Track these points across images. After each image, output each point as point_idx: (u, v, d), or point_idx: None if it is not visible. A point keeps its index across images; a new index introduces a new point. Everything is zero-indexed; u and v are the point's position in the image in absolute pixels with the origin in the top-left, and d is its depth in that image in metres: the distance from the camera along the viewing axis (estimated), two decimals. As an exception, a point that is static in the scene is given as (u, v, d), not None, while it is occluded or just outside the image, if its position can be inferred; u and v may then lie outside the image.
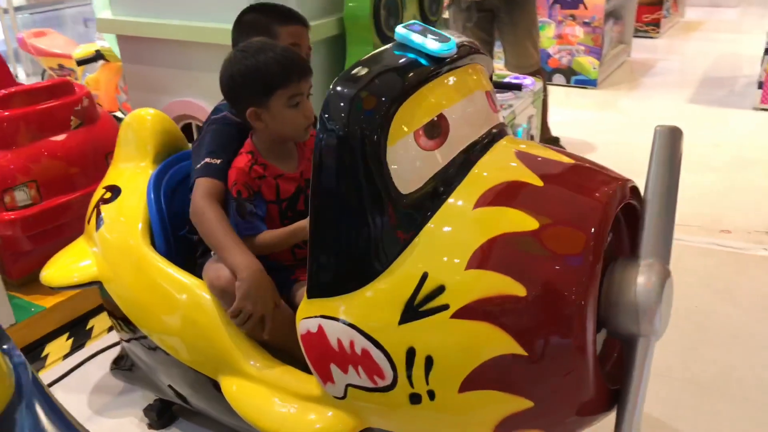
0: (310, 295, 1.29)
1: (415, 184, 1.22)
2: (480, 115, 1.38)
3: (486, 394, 1.17)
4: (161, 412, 1.95)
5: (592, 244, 1.14)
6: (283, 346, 1.50)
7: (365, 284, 1.22)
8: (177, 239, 1.76)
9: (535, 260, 1.15)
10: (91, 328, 2.43)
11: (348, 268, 1.24)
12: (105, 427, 1.96)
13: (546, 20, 5.27)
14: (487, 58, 1.50)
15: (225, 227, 1.50)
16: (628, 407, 1.19)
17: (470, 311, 1.14)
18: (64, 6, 9.03)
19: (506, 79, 3.12)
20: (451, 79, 1.32)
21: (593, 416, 1.24)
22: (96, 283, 1.81)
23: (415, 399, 1.22)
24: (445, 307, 1.16)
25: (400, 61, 1.26)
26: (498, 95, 3.07)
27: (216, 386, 1.54)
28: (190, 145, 2.03)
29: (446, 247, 1.20)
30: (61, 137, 2.44)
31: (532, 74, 3.67)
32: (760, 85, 4.68)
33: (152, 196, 1.76)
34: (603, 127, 4.63)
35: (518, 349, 1.13)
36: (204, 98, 2.67)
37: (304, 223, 1.49)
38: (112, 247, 1.78)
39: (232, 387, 1.49)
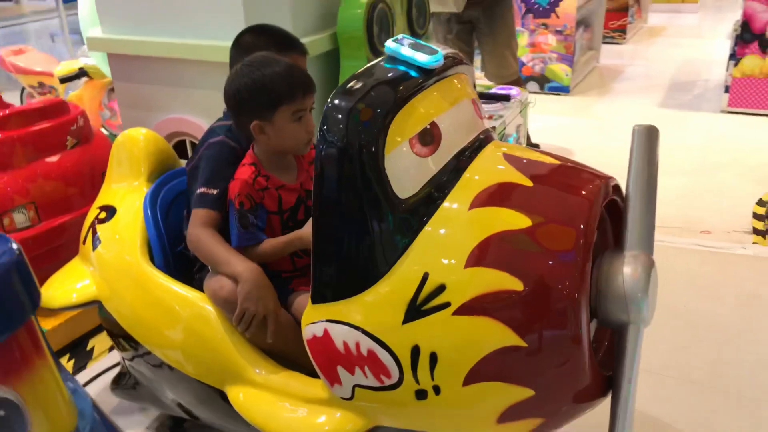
0: (315, 300, 1.33)
1: (412, 189, 1.28)
2: (468, 122, 1.45)
3: (489, 386, 1.23)
4: (173, 430, 1.96)
5: (582, 240, 1.21)
6: (286, 353, 1.54)
7: (368, 287, 1.27)
8: (175, 255, 1.79)
9: (530, 256, 1.22)
10: (92, 349, 2.42)
11: (351, 272, 1.29)
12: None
13: (519, 29, 5.39)
14: (470, 68, 1.57)
15: (222, 244, 1.56)
16: (622, 392, 1.25)
17: (471, 307, 1.20)
18: (28, 20, 8.83)
19: (493, 90, 3.19)
20: (440, 89, 1.39)
21: (590, 402, 1.30)
22: (95, 303, 1.83)
23: (421, 395, 1.27)
24: (447, 305, 1.22)
25: (392, 73, 1.33)
26: (487, 106, 3.17)
27: (223, 397, 1.57)
28: (182, 161, 2.05)
29: (445, 248, 1.26)
30: (57, 158, 2.45)
31: (512, 83, 3.76)
32: (727, 89, 4.85)
33: (149, 213, 1.79)
34: (578, 132, 4.76)
35: (518, 341, 1.19)
36: (197, 115, 2.69)
37: (302, 231, 1.55)
38: (110, 265, 1.80)
39: (239, 395, 1.53)
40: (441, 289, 1.22)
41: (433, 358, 1.23)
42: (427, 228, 1.27)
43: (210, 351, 1.57)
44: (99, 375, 2.27)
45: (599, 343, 1.43)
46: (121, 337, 1.80)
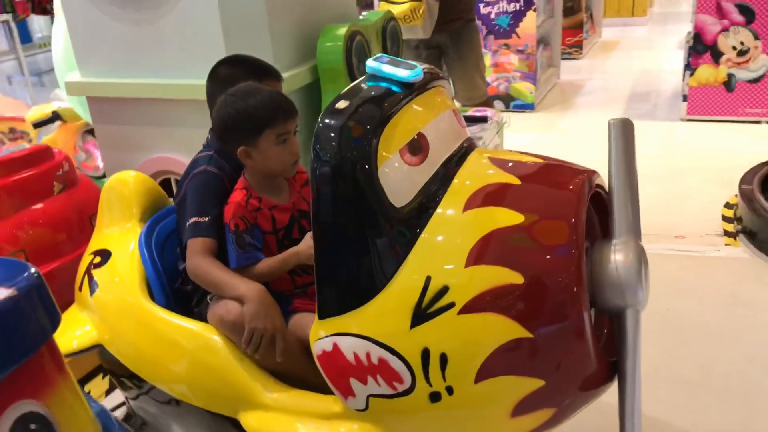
0: (322, 316, 1.36)
1: (406, 198, 1.33)
2: (451, 131, 1.52)
3: (500, 380, 1.26)
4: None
5: (574, 232, 1.27)
6: (293, 372, 1.56)
7: (373, 297, 1.31)
8: (174, 292, 1.81)
9: (527, 250, 1.27)
10: (89, 393, 2.40)
11: (354, 285, 1.33)
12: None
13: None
14: (447, 81, 1.64)
15: (221, 268, 1.60)
16: (629, 374, 1.29)
17: (475, 305, 1.24)
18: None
19: (469, 113, 3.28)
20: (422, 102, 1.45)
21: (597, 389, 1.34)
22: (97, 347, 1.83)
23: (435, 397, 1.29)
24: (452, 305, 1.25)
25: (376, 90, 1.38)
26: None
27: (235, 424, 1.58)
28: (171, 200, 2.07)
29: (444, 250, 1.30)
30: (45, 204, 2.44)
31: (482, 104, 3.86)
32: (685, 98, 5.04)
33: (145, 253, 1.80)
34: (547, 148, 4.82)
35: (524, 333, 1.23)
36: (181, 153, 2.71)
37: (298, 248, 1.60)
38: (111, 308, 1.81)
39: (253, 421, 1.53)
40: (444, 290, 1.26)
41: (444, 359, 1.26)
42: (425, 233, 1.32)
43: (220, 380, 1.58)
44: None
45: (600, 331, 1.47)
46: (125, 377, 1.81)
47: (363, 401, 1.36)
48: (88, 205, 2.51)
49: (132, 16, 2.54)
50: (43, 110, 4.08)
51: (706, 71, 4.89)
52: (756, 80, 4.79)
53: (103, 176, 4.06)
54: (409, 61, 1.42)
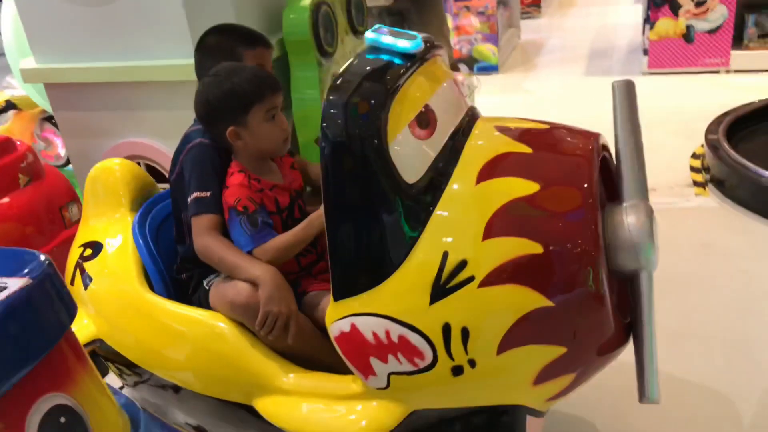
0: (337, 297, 1.34)
1: (418, 174, 1.30)
2: (455, 101, 1.49)
3: (523, 350, 1.26)
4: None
5: (590, 198, 1.27)
6: (305, 353, 1.55)
7: (389, 276, 1.29)
8: (172, 280, 1.77)
9: (544, 219, 1.27)
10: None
11: (369, 264, 1.31)
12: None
13: (442, 14, 5.47)
14: (443, 50, 1.60)
15: (232, 248, 1.56)
16: (645, 335, 1.30)
17: (495, 277, 1.24)
18: None
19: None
20: (425, 73, 1.42)
21: (614, 352, 1.35)
22: (96, 342, 1.78)
23: (457, 371, 1.29)
24: (471, 279, 1.24)
25: (378, 63, 1.35)
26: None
27: (249, 411, 1.55)
28: (158, 185, 2.03)
29: (460, 224, 1.29)
30: (11, 198, 2.36)
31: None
32: (646, 52, 5.08)
33: (141, 242, 1.76)
34: (514, 109, 4.83)
35: (545, 302, 1.23)
36: (150, 137, 2.65)
37: (317, 213, 1.55)
38: (108, 301, 1.76)
39: (269, 406, 1.51)
40: (463, 264, 1.25)
41: (465, 333, 1.26)
42: (438, 208, 1.30)
43: (231, 368, 1.55)
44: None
45: (611, 293, 1.49)
46: (123, 365, 1.77)
47: (384, 380, 1.35)
48: (56, 197, 2.44)
49: (87, -3, 2.44)
50: (-5, 99, 3.94)
51: (666, 24, 4.93)
52: (714, 30, 4.85)
53: (66, 164, 3.95)
54: (409, 31, 1.39)
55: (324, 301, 1.54)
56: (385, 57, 1.35)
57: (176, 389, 1.69)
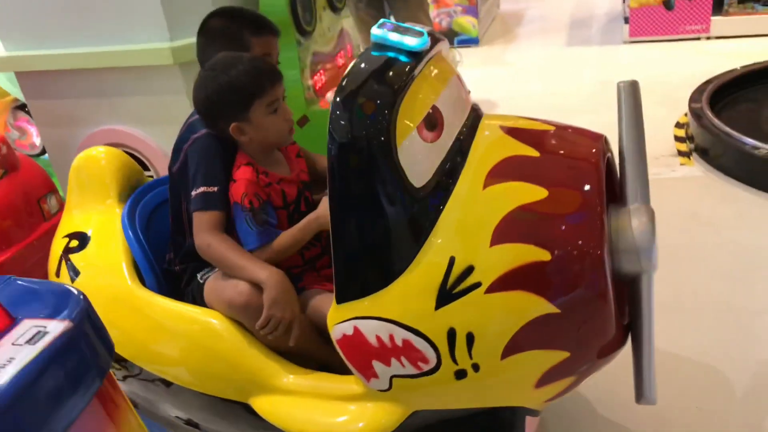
0: (340, 300, 1.32)
1: (426, 177, 1.28)
2: (460, 100, 1.46)
3: (527, 355, 1.27)
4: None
5: (596, 202, 1.26)
6: (304, 353, 1.53)
7: (394, 280, 1.28)
8: (163, 273, 1.73)
9: (552, 226, 1.25)
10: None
11: (374, 268, 1.29)
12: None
13: (421, -13, 5.38)
14: (446, 43, 1.56)
15: (235, 248, 1.52)
16: (645, 338, 1.31)
17: (502, 284, 1.23)
18: None
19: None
20: (431, 71, 1.38)
21: (614, 353, 1.36)
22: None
23: (460, 375, 1.29)
24: (478, 285, 1.23)
25: (384, 62, 1.31)
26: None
27: (246, 408, 1.54)
28: (145, 173, 1.97)
29: (467, 229, 1.27)
30: (-13, 191, 2.29)
31: (430, 43, 3.76)
32: (626, 20, 5.05)
33: (131, 234, 1.71)
34: (496, 82, 4.86)
35: (551, 309, 1.23)
36: (128, 124, 2.59)
37: (316, 212, 1.53)
38: (97, 295, 1.68)
39: (266, 405, 1.50)
40: (470, 270, 1.24)
41: (470, 338, 1.25)
42: (446, 213, 1.28)
43: (228, 366, 1.53)
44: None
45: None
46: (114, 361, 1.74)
47: (386, 382, 1.35)
48: (34, 188, 2.37)
49: (55, -19, 2.36)
50: (-37, 89, 3.82)
51: (646, -9, 4.90)
52: (694, -4, 4.83)
53: (42, 154, 3.86)
54: (415, 27, 1.35)
55: (318, 299, 1.53)
56: (391, 55, 1.31)
57: (167, 384, 1.66)
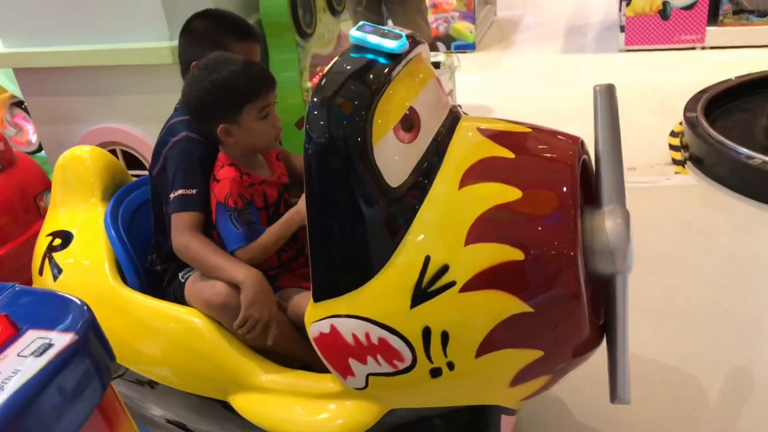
0: (317, 298, 1.33)
1: (402, 177, 1.29)
2: (438, 102, 1.47)
3: (501, 354, 1.28)
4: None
5: (570, 203, 1.28)
6: (283, 351, 1.54)
7: (370, 279, 1.29)
8: (145, 272, 1.74)
9: (526, 226, 1.27)
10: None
11: (351, 267, 1.30)
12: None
13: (419, -9, 5.40)
14: (426, 46, 1.57)
15: (213, 249, 1.52)
16: (619, 338, 1.34)
17: (476, 283, 1.24)
18: None
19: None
20: (409, 73, 1.40)
21: (588, 353, 1.38)
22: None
23: (435, 373, 1.30)
24: (452, 284, 1.25)
25: (362, 63, 1.32)
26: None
27: (225, 406, 1.55)
28: (129, 173, 1.97)
29: (442, 229, 1.28)
30: (-16, 187, 2.28)
31: (427, 48, 3.78)
32: (622, 29, 5.08)
33: (113, 233, 1.72)
34: (492, 88, 4.87)
35: (525, 308, 1.24)
36: (125, 122, 2.59)
37: (296, 207, 1.54)
38: (79, 293, 1.67)
39: (246, 403, 1.51)
40: (444, 269, 1.25)
41: (445, 337, 1.26)
42: (422, 212, 1.29)
43: (208, 364, 1.53)
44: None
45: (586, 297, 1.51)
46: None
47: (362, 380, 1.36)
48: (30, 185, 2.37)
49: (55, -22, 2.36)
50: (-40, 85, 3.80)
51: (642, 0, 4.92)
52: (689, 7, 4.87)
53: (38, 151, 3.85)
54: (394, 29, 1.36)
55: (296, 298, 1.54)
56: (370, 56, 1.33)
57: (152, 384, 1.66)
